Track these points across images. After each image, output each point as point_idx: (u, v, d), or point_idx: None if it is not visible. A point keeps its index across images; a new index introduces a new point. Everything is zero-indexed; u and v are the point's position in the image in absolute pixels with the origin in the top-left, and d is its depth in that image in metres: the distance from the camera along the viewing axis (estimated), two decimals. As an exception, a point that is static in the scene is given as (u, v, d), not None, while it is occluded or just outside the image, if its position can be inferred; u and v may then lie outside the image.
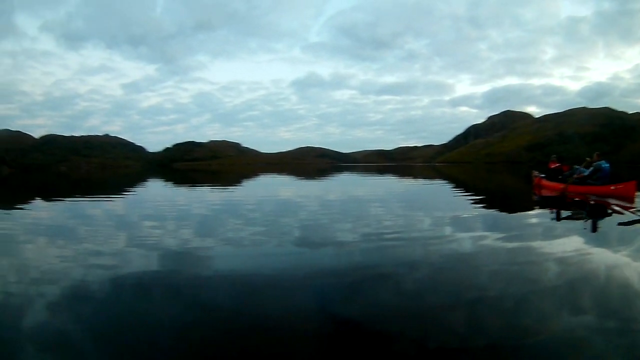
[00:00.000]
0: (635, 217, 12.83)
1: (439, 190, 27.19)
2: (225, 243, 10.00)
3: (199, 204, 20.31)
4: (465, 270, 7.26)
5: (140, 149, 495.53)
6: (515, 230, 11.24)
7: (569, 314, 5.32)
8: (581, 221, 12.83)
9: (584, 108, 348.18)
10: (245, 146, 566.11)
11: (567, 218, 13.81)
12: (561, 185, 21.66)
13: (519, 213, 15.48)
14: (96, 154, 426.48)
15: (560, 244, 9.24)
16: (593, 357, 4.37)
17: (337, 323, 5.14)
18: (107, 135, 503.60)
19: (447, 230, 11.10)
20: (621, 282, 6.75)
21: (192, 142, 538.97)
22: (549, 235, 10.39)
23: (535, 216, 14.43)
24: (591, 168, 20.49)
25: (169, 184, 40.59)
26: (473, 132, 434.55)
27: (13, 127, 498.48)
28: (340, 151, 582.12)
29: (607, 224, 12.40)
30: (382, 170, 79.26)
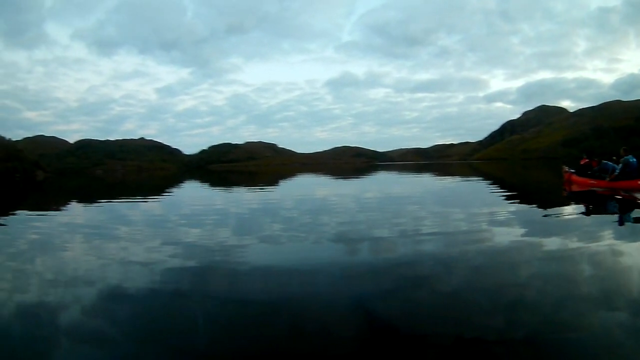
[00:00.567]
0: None
1: (475, 188, 26.76)
2: (262, 242, 10.00)
3: (235, 204, 20.44)
4: (502, 269, 7.12)
5: (176, 152, 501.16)
6: (551, 228, 10.92)
7: (605, 311, 5.14)
8: (611, 216, 12.73)
9: (618, 101, 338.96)
10: (282, 147, 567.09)
11: (597, 213, 13.84)
12: (590, 181, 21.75)
13: (553, 209, 15.04)
14: (132, 157, 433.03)
15: (593, 240, 9.05)
16: (629, 356, 4.21)
17: (373, 321, 5.09)
18: (142, 139, 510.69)
19: (484, 228, 10.89)
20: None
21: (228, 143, 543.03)
22: (582, 232, 10.16)
23: (569, 213, 14.12)
24: (620, 164, 20.30)
25: (206, 186, 41.01)
26: (509, 128, 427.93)
27: (48, 133, 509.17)
28: (377, 150, 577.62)
29: (637, 219, 12.07)
30: (418, 169, 78.67)
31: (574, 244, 8.65)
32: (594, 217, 12.72)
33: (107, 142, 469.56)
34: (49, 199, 32.84)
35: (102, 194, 34.34)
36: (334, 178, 50.00)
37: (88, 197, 31.05)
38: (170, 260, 8.43)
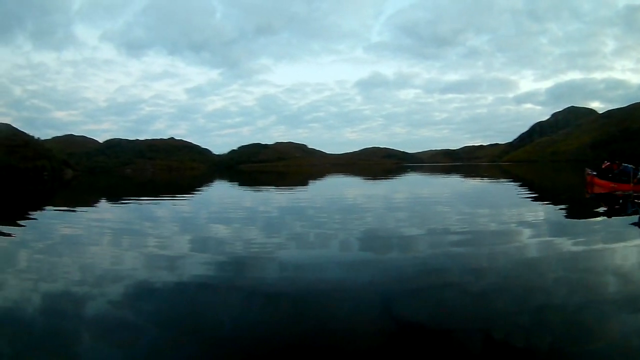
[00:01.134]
0: None
1: (505, 191, 26.41)
2: (290, 243, 10.05)
3: (265, 204, 20.55)
4: (530, 275, 6.99)
5: (206, 152, 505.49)
6: (578, 232, 10.79)
7: (632, 320, 5.05)
8: (631, 218, 12.78)
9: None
10: (312, 147, 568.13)
11: (618, 215, 13.97)
12: (611, 183, 22.48)
13: (577, 211, 15.20)
14: (161, 156, 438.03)
15: (616, 242, 9.18)
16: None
17: (401, 326, 5.05)
18: (172, 139, 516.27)
19: (513, 232, 10.81)
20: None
21: (258, 144, 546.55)
22: (610, 236, 10.12)
23: (592, 214, 14.26)
24: None
25: (235, 185, 41.29)
26: (538, 130, 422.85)
27: (77, 133, 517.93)
28: (406, 151, 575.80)
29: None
30: (448, 170, 78.42)
31: (603, 250, 8.61)
32: (615, 219, 12.88)
33: (136, 142, 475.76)
34: (77, 197, 33.52)
35: (131, 193, 34.94)
36: (363, 179, 49.98)
37: (117, 196, 31.61)
38: (199, 257, 8.55)
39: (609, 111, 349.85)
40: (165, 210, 19.07)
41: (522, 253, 8.55)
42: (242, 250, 9.25)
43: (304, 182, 44.61)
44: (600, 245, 8.89)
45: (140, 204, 22.90)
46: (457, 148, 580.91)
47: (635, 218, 12.45)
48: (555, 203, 17.83)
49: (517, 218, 13.14)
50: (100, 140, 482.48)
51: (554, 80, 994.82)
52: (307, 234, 11.23)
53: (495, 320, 5.02)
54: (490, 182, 36.32)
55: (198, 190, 34.17)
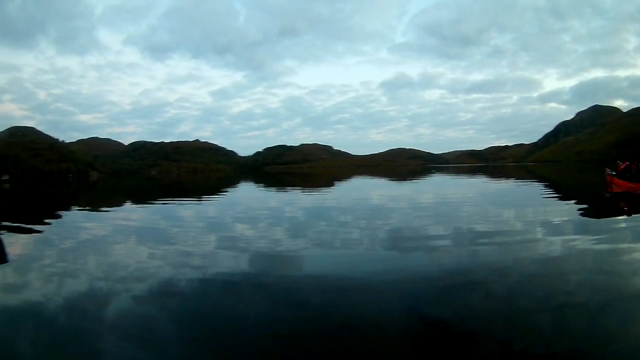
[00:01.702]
0: None
1: (529, 191, 26.32)
2: (316, 244, 10.03)
3: (291, 206, 20.53)
4: (553, 275, 6.96)
5: (231, 154, 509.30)
6: (602, 233, 10.67)
7: None
8: None
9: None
10: (337, 149, 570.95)
11: (636, 213, 14.11)
12: (629, 183, 22.77)
13: (601, 213, 14.97)
14: (187, 158, 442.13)
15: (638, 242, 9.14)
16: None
17: (425, 325, 5.05)
18: (197, 141, 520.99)
19: (537, 233, 10.73)
20: None
21: (284, 145, 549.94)
22: (630, 236, 10.14)
23: (619, 215, 14.21)
24: None
25: (261, 187, 41.41)
26: (563, 130, 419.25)
27: (102, 135, 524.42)
28: (432, 152, 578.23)
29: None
30: (473, 171, 78.04)
31: (626, 252, 8.56)
32: (636, 218, 13.07)
33: (161, 144, 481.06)
34: (102, 198, 33.94)
35: (157, 194, 35.46)
36: (389, 181, 49.76)
37: (142, 197, 32.16)
38: (223, 260, 8.56)
39: (633, 109, 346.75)
40: (191, 211, 19.22)
41: (546, 253, 8.55)
42: (267, 250, 9.29)
43: (329, 184, 44.74)
44: (622, 245, 8.92)
45: (166, 205, 23.17)
46: (483, 148, 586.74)
47: None
48: (577, 202, 17.99)
49: (541, 218, 13.25)
50: (125, 142, 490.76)
51: (578, 78, 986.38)
52: (332, 234, 11.21)
53: (518, 321, 5.02)
54: (515, 182, 36.22)
55: (223, 192, 34.50)
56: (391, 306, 5.70)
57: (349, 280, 6.96)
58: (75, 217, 17.81)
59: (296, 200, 23.79)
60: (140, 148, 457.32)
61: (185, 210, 19.85)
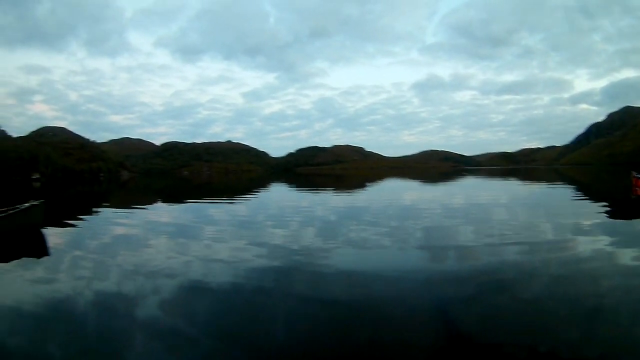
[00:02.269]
0: None
1: (560, 194, 26.08)
2: (347, 244, 10.16)
3: (322, 206, 20.71)
4: (583, 279, 6.94)
5: (263, 154, 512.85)
6: (630, 236, 10.75)
7: None
8: None
9: None
10: (369, 150, 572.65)
11: None
12: None
13: (631, 216, 14.77)
14: (218, 159, 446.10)
15: None
16: None
17: (452, 326, 5.14)
18: (229, 142, 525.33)
19: (567, 237, 10.73)
20: None
21: (316, 147, 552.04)
22: None
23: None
24: None
25: (292, 188, 41.72)
26: (594, 131, 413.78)
27: (133, 136, 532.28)
28: (464, 154, 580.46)
29: None
30: (504, 174, 77.68)
31: None
32: None
33: (193, 145, 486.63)
34: (133, 197, 34.54)
35: (188, 194, 35.99)
36: (421, 182, 49.58)
37: (173, 197, 32.74)
38: (254, 258, 8.76)
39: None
40: (222, 211, 19.54)
41: (575, 255, 8.61)
42: (298, 253, 9.36)
43: (361, 185, 44.83)
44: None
45: (197, 204, 23.60)
46: (514, 151, 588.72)
47: None
48: (605, 205, 17.91)
49: (570, 220, 13.32)
50: (157, 143, 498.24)
51: (608, 79, 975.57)
52: (363, 235, 11.39)
53: (546, 324, 5.03)
54: (546, 185, 35.96)
55: (255, 192, 34.77)
56: (419, 307, 5.79)
57: (379, 280, 7.12)
58: (107, 215, 18.44)
59: (328, 201, 24.02)
60: (172, 148, 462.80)
61: (217, 210, 20.19)
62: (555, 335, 4.76)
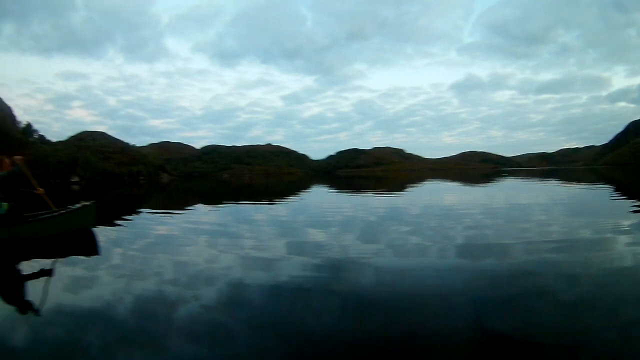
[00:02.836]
0: None
1: (600, 196, 25.53)
2: (386, 249, 10.25)
3: (362, 209, 20.84)
4: (626, 286, 6.82)
5: (303, 157, 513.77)
6: None
7: None
8: None
9: None
10: (409, 152, 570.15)
11: None
12: None
13: None
14: (259, 162, 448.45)
15: None
16: None
17: (491, 336, 5.13)
18: (269, 145, 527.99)
19: (610, 241, 10.51)
20: None
21: (355, 149, 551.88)
22: None
23: None
24: None
25: (333, 190, 41.94)
26: (633, 130, 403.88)
27: (173, 139, 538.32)
28: (504, 155, 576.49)
29: None
30: (544, 175, 75.96)
31: None
32: None
33: (233, 148, 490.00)
34: (174, 199, 35.06)
35: (229, 197, 36.35)
36: (460, 184, 49.13)
37: (214, 199, 33.08)
38: (295, 260, 9.05)
39: None
40: (263, 213, 19.85)
41: (617, 260, 8.44)
42: (338, 254, 9.57)
43: (401, 187, 44.66)
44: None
45: (238, 207, 23.93)
46: (554, 151, 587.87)
47: None
48: None
49: (613, 224, 12.99)
50: (197, 146, 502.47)
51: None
52: (403, 239, 11.45)
53: (585, 334, 4.99)
54: (586, 186, 35.25)
55: (295, 195, 35.07)
56: (457, 314, 5.81)
57: (417, 279, 7.35)
58: (148, 216, 19.09)
59: (367, 204, 24.10)
60: (212, 152, 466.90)
61: (257, 212, 20.54)
62: (595, 345, 4.74)
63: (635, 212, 15.84)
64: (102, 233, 13.23)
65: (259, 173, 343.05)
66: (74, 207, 13.22)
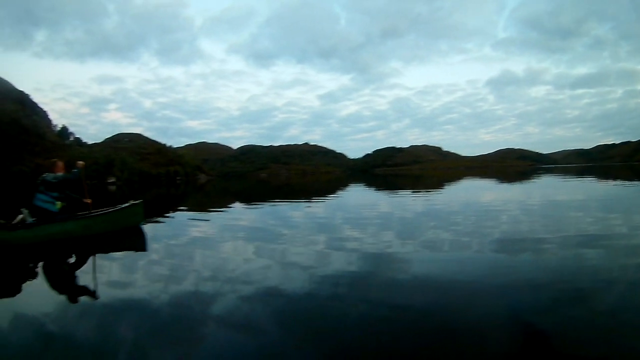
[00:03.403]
0: None
1: (638, 194, 25.34)
2: (423, 247, 10.47)
3: (400, 208, 21.10)
4: None
5: (340, 156, 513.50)
6: None
7: None
8: None
9: None
10: (446, 150, 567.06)
11: None
12: None
13: None
14: (296, 161, 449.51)
15: None
16: None
17: (527, 335, 5.25)
18: (306, 144, 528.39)
19: None
20: None
21: (393, 147, 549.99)
22: None
23: None
24: None
25: (371, 189, 42.32)
26: None
27: (210, 140, 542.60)
28: (540, 152, 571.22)
29: None
30: (581, 172, 74.10)
31: None
32: None
33: (270, 148, 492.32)
34: (211, 199, 35.95)
35: (267, 196, 36.90)
36: (497, 182, 48.71)
37: (251, 198, 33.67)
38: (330, 261, 9.25)
39: None
40: (301, 212, 20.29)
41: None
42: (374, 255, 9.74)
43: (439, 185, 44.74)
44: None
45: (276, 206, 24.32)
46: (590, 147, 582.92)
47: None
48: None
49: None
50: (234, 147, 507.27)
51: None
52: (440, 239, 11.55)
53: (623, 337, 5.04)
54: (623, 184, 34.73)
55: (333, 194, 35.43)
56: (493, 312, 5.99)
57: (453, 283, 7.39)
58: (187, 216, 19.76)
59: (405, 202, 24.38)
60: (249, 152, 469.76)
61: (295, 211, 20.90)
62: (634, 349, 4.77)
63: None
64: (147, 230, 13.99)
65: (296, 172, 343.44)
66: (123, 206, 13.99)
